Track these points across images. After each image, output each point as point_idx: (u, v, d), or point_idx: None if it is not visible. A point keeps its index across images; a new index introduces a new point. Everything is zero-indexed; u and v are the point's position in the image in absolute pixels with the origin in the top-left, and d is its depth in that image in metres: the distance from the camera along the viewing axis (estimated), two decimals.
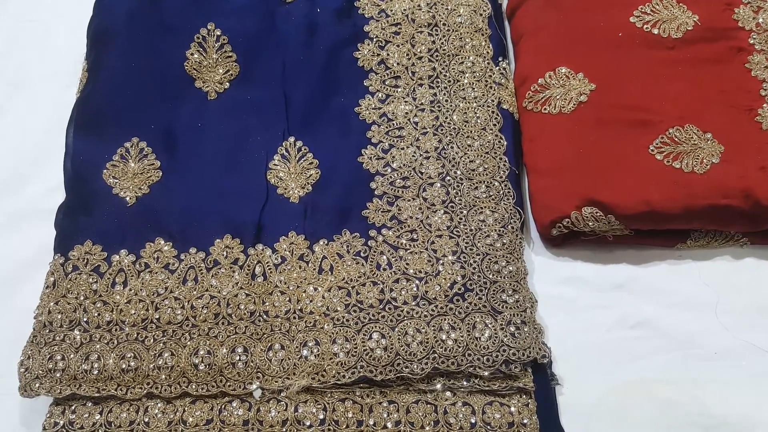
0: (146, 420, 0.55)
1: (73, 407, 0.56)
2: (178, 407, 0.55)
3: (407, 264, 0.58)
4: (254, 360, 0.55)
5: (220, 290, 0.58)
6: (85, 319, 0.58)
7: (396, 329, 0.55)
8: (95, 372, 0.55)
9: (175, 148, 0.66)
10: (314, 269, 0.59)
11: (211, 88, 0.68)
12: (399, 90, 0.67)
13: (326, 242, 0.60)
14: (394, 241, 0.60)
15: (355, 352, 0.54)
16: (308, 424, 0.54)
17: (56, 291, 0.60)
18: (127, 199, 0.64)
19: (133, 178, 0.64)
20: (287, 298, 0.58)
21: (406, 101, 0.67)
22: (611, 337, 0.59)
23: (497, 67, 0.68)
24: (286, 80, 0.68)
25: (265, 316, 0.57)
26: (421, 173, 0.63)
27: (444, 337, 0.54)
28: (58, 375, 0.56)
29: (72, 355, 0.56)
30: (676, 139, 0.61)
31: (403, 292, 0.57)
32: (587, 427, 0.56)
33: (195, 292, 0.59)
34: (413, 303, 0.56)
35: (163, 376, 0.55)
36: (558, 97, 0.65)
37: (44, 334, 0.58)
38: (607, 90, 0.64)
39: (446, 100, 0.66)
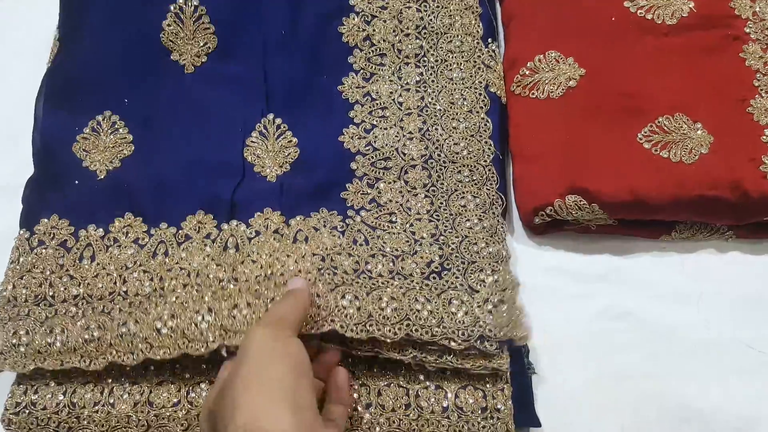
0: (111, 401, 0.54)
1: (35, 387, 0.54)
2: (144, 388, 0.54)
3: (384, 243, 0.56)
4: (218, 319, 0.51)
5: (191, 262, 0.56)
6: (51, 294, 0.57)
7: (370, 295, 0.53)
8: (58, 344, 0.53)
9: (148, 122, 0.63)
10: (289, 241, 0.57)
11: (188, 61, 0.66)
12: (384, 68, 0.65)
13: (303, 218, 0.58)
14: (373, 222, 0.58)
15: (327, 307, 0.52)
16: None
17: (21, 266, 0.58)
18: (98, 172, 0.62)
19: (104, 151, 0.62)
20: (258, 266, 0.55)
21: (391, 80, 0.64)
22: (592, 329, 0.58)
23: (486, 49, 0.65)
24: (266, 54, 0.65)
25: (234, 282, 0.55)
26: (404, 154, 0.61)
27: (419, 307, 0.52)
28: (22, 350, 0.54)
29: (37, 329, 0.54)
30: (665, 128, 0.60)
31: (378, 266, 0.55)
32: (564, 418, 0.55)
33: (165, 266, 0.57)
34: (388, 276, 0.54)
35: (125, 344, 0.52)
36: (547, 81, 0.63)
37: (8, 309, 0.56)
38: (598, 76, 0.63)
39: (432, 81, 0.64)
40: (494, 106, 0.63)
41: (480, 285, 0.54)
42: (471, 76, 0.64)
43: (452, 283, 0.54)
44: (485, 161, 0.60)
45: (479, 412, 0.52)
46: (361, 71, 0.65)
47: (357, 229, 0.57)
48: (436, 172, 0.60)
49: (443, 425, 0.52)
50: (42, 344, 0.54)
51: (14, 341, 0.54)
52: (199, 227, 0.58)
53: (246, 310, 0.52)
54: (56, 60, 0.66)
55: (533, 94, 0.63)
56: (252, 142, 0.62)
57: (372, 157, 0.61)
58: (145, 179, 0.61)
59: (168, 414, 0.53)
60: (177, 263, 0.57)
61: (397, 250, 0.56)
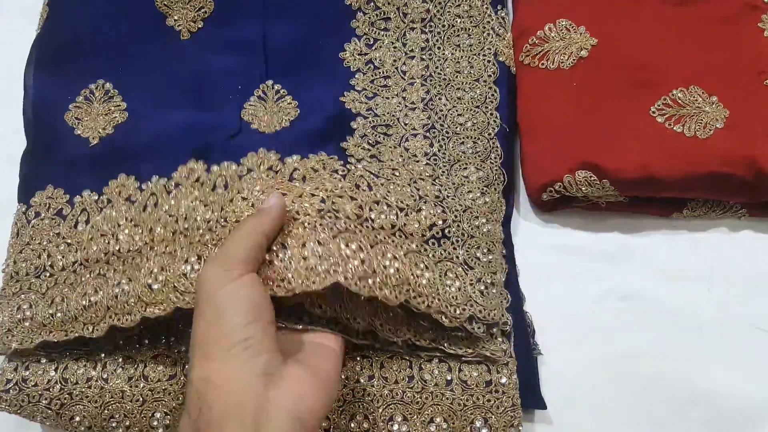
0: (104, 376, 0.52)
1: (26, 363, 0.53)
2: (138, 363, 0.52)
3: (389, 192, 0.53)
4: None
5: (179, 208, 0.54)
6: (49, 264, 0.55)
7: (374, 248, 0.49)
8: (59, 315, 0.52)
9: (143, 90, 0.61)
10: (284, 178, 0.54)
11: (183, 27, 0.63)
12: (388, 33, 0.62)
13: (300, 158, 0.55)
14: (376, 171, 0.55)
15: (328, 256, 0.46)
16: None
17: (20, 240, 0.57)
18: (90, 139, 0.60)
19: (96, 118, 0.60)
20: (249, 203, 0.51)
21: (395, 47, 0.62)
22: (599, 309, 0.56)
23: (496, 15, 0.63)
24: (265, 18, 0.63)
25: (223, 222, 0.51)
26: (405, 124, 0.59)
27: (419, 273, 0.50)
28: (27, 324, 0.53)
29: (39, 302, 0.53)
30: (680, 102, 0.57)
31: (382, 216, 0.51)
32: (570, 400, 0.53)
33: (154, 215, 0.55)
34: (390, 230, 0.51)
35: (120, 305, 0.50)
36: (557, 51, 0.61)
37: (11, 285, 0.55)
38: (610, 46, 0.60)
39: (438, 48, 0.62)
40: (503, 76, 0.61)
41: (475, 262, 0.53)
42: (479, 43, 0.62)
43: (449, 253, 0.52)
44: (490, 133, 0.58)
45: (483, 385, 0.51)
46: (364, 36, 0.62)
47: (359, 174, 0.54)
48: (438, 142, 0.58)
49: (447, 398, 0.51)
50: (45, 316, 0.52)
51: (19, 316, 0.53)
52: (189, 174, 0.56)
53: None
54: (45, 26, 0.63)
55: (543, 64, 0.61)
56: (250, 105, 0.60)
57: (373, 121, 0.59)
58: (138, 143, 0.59)
59: (164, 388, 0.52)
60: (165, 211, 0.54)
61: (401, 202, 0.53)
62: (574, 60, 0.60)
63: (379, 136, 0.58)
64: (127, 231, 0.55)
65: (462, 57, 0.61)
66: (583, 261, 0.58)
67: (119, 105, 0.61)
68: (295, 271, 0.45)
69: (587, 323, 0.56)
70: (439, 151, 0.58)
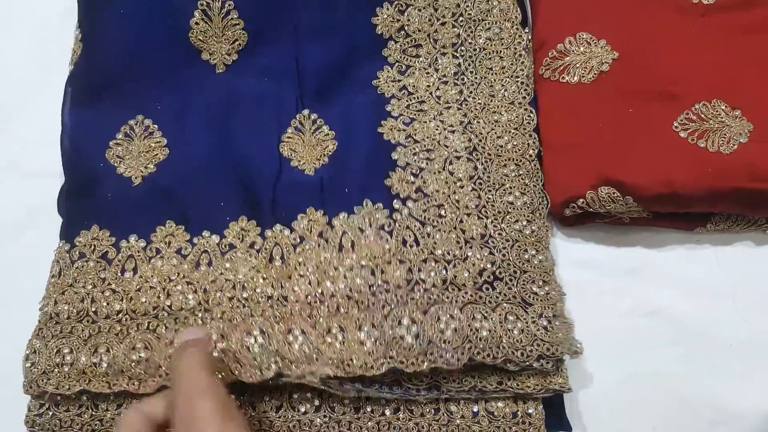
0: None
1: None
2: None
3: (435, 243, 0.54)
4: (272, 343, 0.49)
5: (236, 273, 0.54)
6: (93, 310, 0.54)
7: (427, 314, 0.50)
8: (104, 365, 0.51)
9: (182, 125, 0.61)
10: (335, 247, 0.54)
11: (218, 60, 0.63)
12: (420, 59, 0.62)
13: (346, 216, 0.56)
14: (421, 216, 0.55)
15: (384, 340, 0.49)
16: (303, 410, 0.52)
17: (62, 280, 0.56)
18: (133, 178, 0.59)
19: (138, 156, 0.60)
20: (307, 281, 0.53)
21: (427, 72, 0.62)
22: (623, 325, 0.56)
23: (527, 34, 0.63)
24: (298, 49, 0.62)
25: (284, 301, 0.53)
26: (447, 146, 0.59)
27: (478, 326, 0.50)
28: (66, 369, 0.52)
29: (81, 348, 0.52)
30: (702, 116, 0.57)
31: (432, 274, 0.53)
32: (594, 420, 0.53)
33: (208, 276, 0.55)
34: (442, 287, 0.52)
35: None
36: (578, 65, 0.60)
37: (51, 326, 0.54)
38: (631, 59, 0.60)
39: (471, 71, 0.62)
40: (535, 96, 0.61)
41: (533, 298, 0.52)
42: (512, 64, 0.62)
43: (505, 294, 0.52)
44: (530, 155, 0.58)
45: (510, 416, 0.51)
46: (396, 64, 0.62)
47: (405, 225, 0.55)
48: (482, 164, 0.58)
49: (474, 431, 0.51)
50: (87, 364, 0.52)
51: (58, 360, 0.52)
52: (242, 235, 0.56)
53: (301, 338, 0.50)
54: (80, 62, 0.63)
55: (563, 78, 0.60)
56: (288, 138, 0.60)
57: (414, 149, 0.59)
58: (182, 183, 0.59)
59: None
60: (221, 274, 0.55)
61: (448, 253, 0.54)
62: (595, 74, 0.60)
63: (422, 162, 0.58)
64: (179, 288, 0.54)
65: (495, 80, 0.61)
66: (607, 276, 0.58)
67: (159, 141, 0.61)
68: (354, 355, 0.49)
69: (612, 340, 0.56)
70: (483, 174, 0.57)
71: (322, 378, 0.49)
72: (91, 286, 0.55)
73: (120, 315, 0.54)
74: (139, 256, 0.57)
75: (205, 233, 0.57)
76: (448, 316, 0.50)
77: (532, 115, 0.60)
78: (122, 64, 0.62)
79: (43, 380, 0.52)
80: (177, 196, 0.58)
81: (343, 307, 0.51)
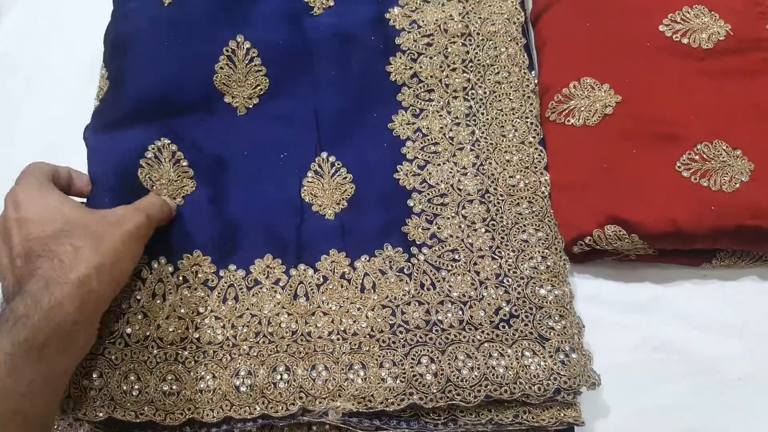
0: None
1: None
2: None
3: (450, 287, 0.57)
4: (296, 379, 0.52)
5: (261, 309, 0.57)
6: (127, 332, 0.56)
7: (445, 353, 0.53)
8: (134, 393, 0.53)
9: (205, 165, 0.63)
10: (356, 287, 0.57)
11: (240, 103, 0.66)
12: (433, 103, 0.65)
13: (368, 258, 0.59)
14: (436, 261, 0.58)
15: (404, 377, 0.52)
16: None
17: None
18: None
19: (168, 185, 0.62)
20: (330, 319, 0.56)
21: (440, 115, 0.65)
22: (632, 360, 0.58)
23: (533, 77, 0.66)
24: (317, 95, 0.66)
25: (307, 337, 0.55)
26: (460, 190, 0.61)
27: (494, 363, 0.52)
28: (92, 394, 0.52)
29: (111, 373, 0.53)
30: (704, 156, 0.59)
31: (448, 315, 0.55)
32: None
33: (235, 312, 0.57)
34: (459, 327, 0.55)
35: (205, 400, 0.53)
36: (582, 108, 0.63)
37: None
38: (634, 102, 0.62)
39: (482, 113, 0.64)
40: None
41: (549, 332, 0.54)
42: (521, 106, 0.64)
43: (522, 331, 0.54)
44: (543, 193, 0.60)
45: None
46: (411, 108, 0.65)
47: (422, 270, 0.58)
48: (494, 206, 0.60)
49: None
50: (117, 392, 0.53)
51: (85, 383, 0.52)
52: (267, 272, 0.59)
53: (324, 373, 0.53)
54: (106, 98, 0.66)
55: (569, 120, 0.63)
56: (308, 182, 0.62)
57: (428, 194, 0.61)
58: (208, 219, 0.61)
59: None
60: (248, 309, 0.57)
61: (464, 295, 0.56)
62: (599, 117, 0.62)
63: (437, 208, 0.61)
64: (207, 321, 0.56)
65: (506, 121, 0.64)
66: (615, 311, 0.60)
67: (187, 171, 0.63)
68: (376, 392, 0.52)
69: (621, 374, 0.57)
70: (496, 215, 0.60)
71: (343, 414, 0.51)
72: (126, 306, 0.56)
73: (148, 341, 0.55)
74: (168, 281, 0.58)
75: (231, 267, 0.59)
76: (465, 355, 0.53)
77: (542, 154, 0.62)
78: (146, 104, 0.64)
79: (68, 404, 0.52)
80: (203, 230, 0.60)
81: (364, 345, 0.54)
